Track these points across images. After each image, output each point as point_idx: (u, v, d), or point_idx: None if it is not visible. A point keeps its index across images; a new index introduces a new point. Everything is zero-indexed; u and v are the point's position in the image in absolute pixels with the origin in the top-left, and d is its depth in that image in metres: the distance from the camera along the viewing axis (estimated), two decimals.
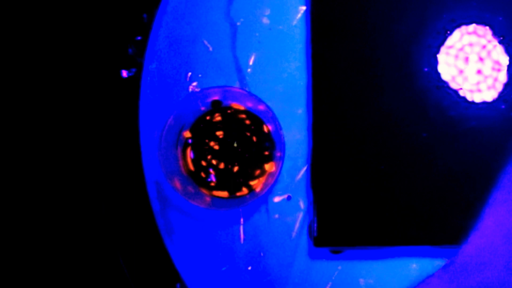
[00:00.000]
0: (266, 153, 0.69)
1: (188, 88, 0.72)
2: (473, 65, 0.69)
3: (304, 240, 0.70)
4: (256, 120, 0.69)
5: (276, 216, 0.71)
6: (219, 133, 0.69)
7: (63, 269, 0.75)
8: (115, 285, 0.73)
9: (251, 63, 0.72)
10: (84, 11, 0.74)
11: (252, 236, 0.71)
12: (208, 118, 0.69)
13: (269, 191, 0.70)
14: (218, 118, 0.69)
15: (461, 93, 0.68)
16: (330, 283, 0.70)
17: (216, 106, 0.69)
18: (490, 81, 0.68)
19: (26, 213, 0.75)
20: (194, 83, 0.72)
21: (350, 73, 0.68)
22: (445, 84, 0.69)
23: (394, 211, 0.67)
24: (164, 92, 0.72)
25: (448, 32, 0.69)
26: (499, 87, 0.68)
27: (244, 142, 0.69)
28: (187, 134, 0.69)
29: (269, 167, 0.69)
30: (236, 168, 0.69)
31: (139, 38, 0.72)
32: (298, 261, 0.70)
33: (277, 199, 0.71)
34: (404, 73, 0.69)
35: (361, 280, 0.70)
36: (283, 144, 0.67)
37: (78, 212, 0.75)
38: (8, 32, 0.75)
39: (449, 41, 0.69)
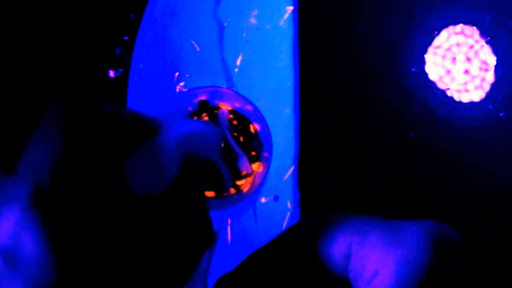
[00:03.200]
0: (253, 153, 0.69)
1: (175, 88, 0.72)
2: (461, 65, 0.69)
3: None
4: (243, 120, 0.69)
5: (264, 216, 0.70)
6: None
7: None
8: None
9: (238, 63, 0.72)
10: (72, 11, 0.74)
11: (239, 236, 0.70)
12: (195, 118, 0.69)
13: (257, 191, 0.70)
14: (205, 118, 0.69)
15: (449, 93, 0.68)
16: None
17: (204, 106, 0.69)
18: (477, 81, 0.68)
19: None
20: (182, 83, 0.72)
21: (337, 73, 0.68)
22: (432, 84, 0.69)
23: (381, 210, 0.67)
24: (152, 92, 0.72)
25: (436, 32, 0.69)
26: (487, 87, 0.68)
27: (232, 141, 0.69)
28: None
29: (256, 167, 0.69)
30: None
31: (126, 38, 0.72)
32: None
33: (264, 199, 0.71)
34: (392, 73, 0.69)
35: None
36: (270, 144, 0.67)
37: None
38: None
39: (437, 41, 0.69)
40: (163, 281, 0.37)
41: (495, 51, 0.68)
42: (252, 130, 0.69)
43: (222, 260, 0.70)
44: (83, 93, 0.39)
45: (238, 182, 0.69)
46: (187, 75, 0.72)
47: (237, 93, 0.69)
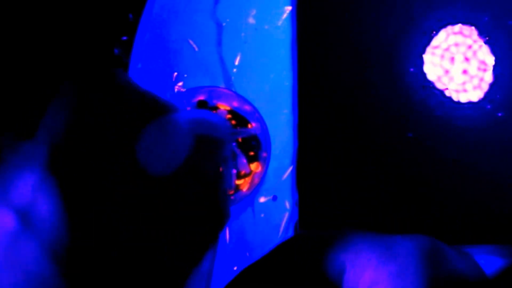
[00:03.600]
0: (252, 153, 0.69)
1: (173, 88, 0.72)
2: (459, 65, 0.69)
3: None
4: (242, 120, 0.69)
5: (262, 216, 0.71)
6: None
7: None
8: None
9: (237, 63, 0.72)
10: (69, 11, 0.74)
11: (237, 236, 0.70)
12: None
13: (255, 191, 0.70)
14: None
15: (447, 93, 0.68)
16: None
17: (202, 106, 0.69)
18: (476, 81, 0.68)
19: None
20: (180, 83, 0.72)
21: (336, 73, 0.68)
22: (431, 84, 0.69)
23: (380, 210, 0.67)
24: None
25: (434, 32, 0.69)
26: (485, 87, 0.68)
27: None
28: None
29: (254, 167, 0.69)
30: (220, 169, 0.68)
31: (125, 38, 0.72)
32: None
33: (262, 199, 0.71)
34: (390, 73, 0.69)
35: None
36: (269, 144, 0.67)
37: None
38: None
39: (435, 41, 0.69)
40: (168, 269, 0.37)
41: (493, 51, 0.68)
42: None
43: (221, 260, 0.70)
44: (101, 67, 0.39)
45: (237, 182, 0.69)
46: (185, 75, 0.72)
47: (235, 93, 0.69)
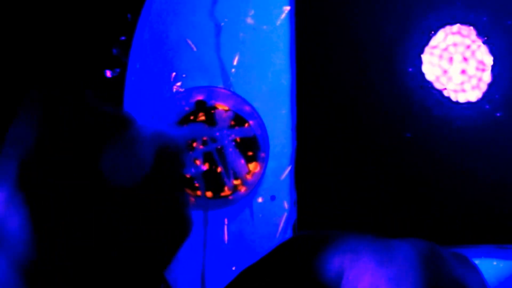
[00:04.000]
0: (250, 153, 0.69)
1: (172, 88, 0.72)
2: (457, 65, 0.69)
3: None
4: (240, 120, 0.69)
5: (260, 216, 0.71)
6: None
7: None
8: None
9: (235, 63, 0.72)
10: (68, 11, 0.74)
11: (236, 236, 0.70)
12: (192, 118, 0.69)
13: (253, 191, 0.70)
14: (202, 118, 0.69)
15: (445, 93, 0.68)
16: None
17: (200, 106, 0.69)
18: (474, 81, 0.68)
19: None
20: (178, 83, 0.72)
21: (334, 73, 0.68)
22: (429, 84, 0.69)
23: (378, 210, 0.67)
24: (148, 92, 0.72)
25: (433, 32, 0.69)
26: (483, 87, 0.68)
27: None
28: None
29: (253, 167, 0.69)
30: (219, 169, 0.69)
31: (123, 38, 0.72)
32: None
33: (261, 199, 0.71)
34: (389, 73, 0.69)
35: None
36: (267, 144, 0.67)
37: None
38: None
39: (433, 41, 0.69)
40: (135, 274, 0.38)
41: (492, 51, 0.68)
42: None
43: (219, 260, 0.70)
44: (65, 82, 0.40)
45: (235, 182, 0.69)
46: (184, 75, 0.72)
47: (234, 93, 0.69)
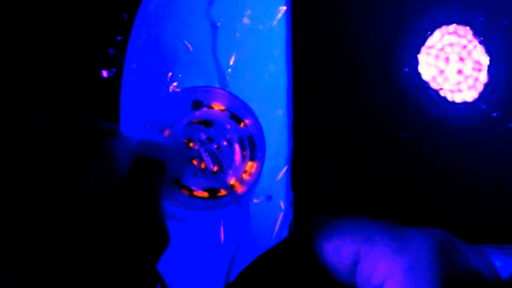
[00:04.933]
0: (246, 153, 0.69)
1: (168, 89, 0.72)
2: (454, 65, 0.69)
3: None
4: (237, 120, 0.69)
5: (256, 216, 0.70)
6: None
7: None
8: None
9: (231, 63, 0.72)
10: (64, 11, 0.74)
11: (232, 237, 0.70)
12: (188, 118, 0.69)
13: (250, 191, 0.70)
14: (198, 118, 0.69)
15: (442, 93, 0.68)
16: None
17: (197, 107, 0.69)
18: (470, 81, 0.68)
19: None
20: (175, 83, 0.72)
21: (330, 73, 0.68)
22: (425, 84, 0.69)
23: (376, 210, 0.67)
24: (145, 92, 0.72)
25: (429, 32, 0.69)
26: (480, 87, 0.68)
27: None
28: (168, 134, 0.69)
29: (249, 167, 0.69)
30: (216, 168, 0.69)
31: (119, 38, 0.72)
32: None
33: (257, 199, 0.71)
34: (385, 73, 0.69)
35: None
36: (263, 144, 0.66)
37: None
38: None
39: (430, 41, 0.69)
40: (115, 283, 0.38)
41: (488, 51, 0.68)
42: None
43: (217, 260, 0.70)
44: (35, 93, 0.41)
45: (231, 182, 0.69)
46: (180, 75, 0.72)
47: (230, 93, 0.69)
